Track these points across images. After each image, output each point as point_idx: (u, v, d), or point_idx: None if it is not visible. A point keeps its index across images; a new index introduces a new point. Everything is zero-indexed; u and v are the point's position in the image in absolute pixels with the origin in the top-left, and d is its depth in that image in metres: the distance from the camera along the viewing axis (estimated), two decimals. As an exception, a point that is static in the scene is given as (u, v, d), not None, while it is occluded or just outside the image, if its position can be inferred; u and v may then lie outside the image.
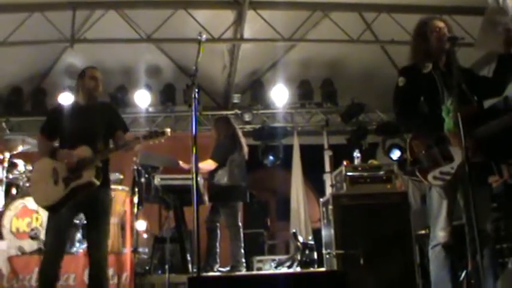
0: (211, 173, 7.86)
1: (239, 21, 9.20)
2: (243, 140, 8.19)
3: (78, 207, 5.42)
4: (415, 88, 4.48)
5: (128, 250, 7.19)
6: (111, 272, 6.26)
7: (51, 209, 5.33)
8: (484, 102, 4.58)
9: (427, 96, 4.45)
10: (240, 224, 7.83)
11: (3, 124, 11.29)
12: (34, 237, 7.13)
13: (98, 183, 5.27)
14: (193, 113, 4.55)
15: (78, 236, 7.68)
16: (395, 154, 11.39)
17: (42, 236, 7.15)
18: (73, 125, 5.49)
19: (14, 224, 7.25)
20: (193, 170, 4.52)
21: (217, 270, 7.70)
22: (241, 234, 7.79)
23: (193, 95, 4.56)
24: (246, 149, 8.18)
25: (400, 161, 10.36)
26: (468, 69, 4.69)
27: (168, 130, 5.37)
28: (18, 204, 7.38)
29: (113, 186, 6.48)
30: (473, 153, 3.98)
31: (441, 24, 4.54)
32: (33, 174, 5.85)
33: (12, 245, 7.11)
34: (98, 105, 5.76)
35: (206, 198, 7.74)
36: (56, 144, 5.61)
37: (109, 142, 5.64)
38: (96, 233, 5.38)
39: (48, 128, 5.63)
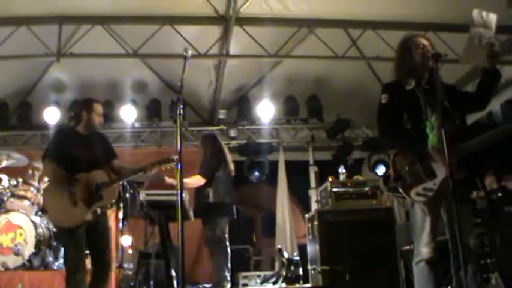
0: (199, 190, 7.82)
1: (225, 37, 9.22)
2: (229, 157, 8.14)
3: (86, 229, 5.59)
4: (398, 105, 4.51)
5: (112, 266, 7.16)
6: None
7: (71, 230, 5.50)
8: (467, 117, 4.64)
9: (410, 112, 4.48)
10: (224, 239, 7.77)
11: (-12, 139, 11.25)
12: (17, 253, 7.09)
13: (114, 205, 5.71)
14: (179, 128, 4.54)
15: (63, 251, 7.64)
16: (381, 170, 11.45)
17: (26, 252, 7.14)
18: (80, 152, 5.72)
19: (-3, 239, 7.20)
20: (179, 186, 4.50)
21: (202, 287, 7.67)
22: (227, 250, 7.73)
23: (178, 111, 4.56)
24: (232, 166, 8.14)
25: (385, 177, 10.41)
26: (451, 86, 4.74)
27: (175, 157, 5.56)
28: (2, 219, 7.33)
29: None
30: (457, 169, 4.00)
31: (425, 42, 4.58)
32: (47, 200, 5.99)
33: (-5, 261, 7.06)
34: (95, 134, 6.01)
35: (191, 214, 7.71)
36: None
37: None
38: (103, 254, 5.65)
39: (56, 154, 5.74)
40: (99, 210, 5.54)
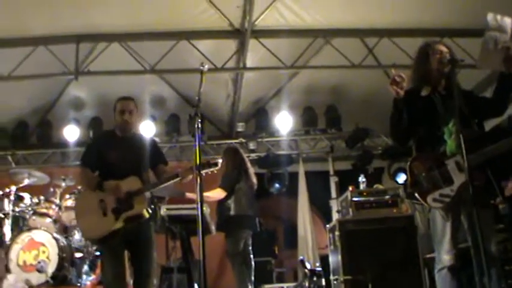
0: (220, 203, 7.82)
1: (241, 50, 9.25)
2: (251, 170, 8.12)
3: (125, 240, 5.34)
4: (413, 111, 4.49)
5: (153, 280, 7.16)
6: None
7: (102, 241, 5.31)
8: (486, 123, 4.60)
9: (425, 119, 4.46)
10: (247, 252, 7.73)
11: (9, 157, 11.37)
12: (41, 270, 7.13)
13: (147, 215, 5.30)
14: (197, 142, 4.54)
15: (85, 268, 7.68)
16: (401, 178, 11.37)
17: (50, 269, 7.18)
18: (116, 156, 5.50)
19: (21, 257, 7.26)
20: (199, 199, 4.49)
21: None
22: (251, 263, 7.69)
23: (196, 125, 4.55)
24: (254, 179, 8.11)
25: (405, 184, 10.35)
26: (468, 91, 4.72)
27: (220, 161, 5.42)
28: (25, 237, 7.39)
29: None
30: (476, 175, 3.97)
31: (444, 48, 4.56)
32: (78, 208, 5.77)
33: (19, 279, 7.10)
34: (137, 137, 5.82)
35: (213, 227, 7.70)
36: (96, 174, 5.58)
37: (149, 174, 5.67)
38: (144, 267, 5.37)
39: (90, 160, 5.60)
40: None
